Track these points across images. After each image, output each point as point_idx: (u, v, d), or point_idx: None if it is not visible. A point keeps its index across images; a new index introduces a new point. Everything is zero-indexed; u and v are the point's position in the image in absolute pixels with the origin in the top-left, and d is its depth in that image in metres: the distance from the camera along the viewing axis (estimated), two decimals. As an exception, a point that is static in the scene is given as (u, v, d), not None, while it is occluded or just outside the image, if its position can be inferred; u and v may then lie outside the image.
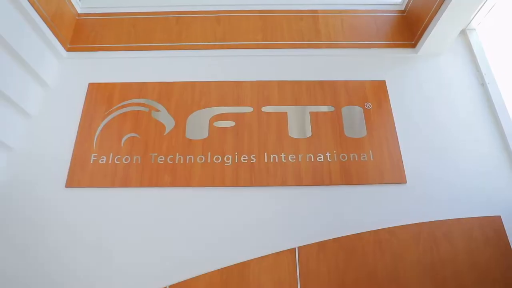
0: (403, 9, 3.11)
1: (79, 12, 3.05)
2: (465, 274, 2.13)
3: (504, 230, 2.23)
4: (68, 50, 2.86)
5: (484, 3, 2.78)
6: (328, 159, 2.44)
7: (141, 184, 2.35)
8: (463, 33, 3.01)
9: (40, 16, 2.55)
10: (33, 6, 2.47)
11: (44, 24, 2.60)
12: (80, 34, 2.94)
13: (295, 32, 2.96)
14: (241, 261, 2.13)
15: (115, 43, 2.90)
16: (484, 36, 2.98)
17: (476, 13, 2.88)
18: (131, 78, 2.72)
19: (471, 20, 2.96)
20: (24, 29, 2.48)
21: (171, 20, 3.00)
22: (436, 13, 2.61)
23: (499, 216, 2.27)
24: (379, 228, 2.23)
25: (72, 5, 3.00)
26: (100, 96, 2.64)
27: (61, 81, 2.74)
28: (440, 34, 2.74)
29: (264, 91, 2.68)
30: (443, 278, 2.12)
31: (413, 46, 2.92)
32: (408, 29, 2.99)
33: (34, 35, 2.57)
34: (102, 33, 2.95)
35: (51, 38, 2.69)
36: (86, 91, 2.67)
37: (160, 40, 2.91)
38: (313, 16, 3.03)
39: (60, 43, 2.79)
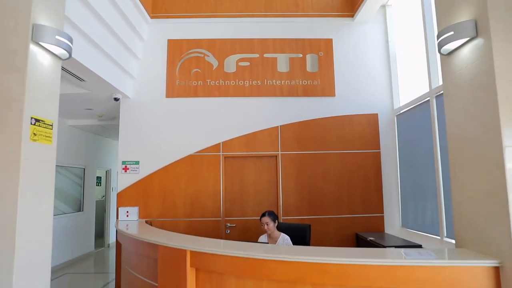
0: (350, -11, 5.08)
1: (152, -10, 5.01)
2: (357, 140, 4.66)
3: (378, 120, 4.70)
4: (151, 17, 4.92)
5: (398, -12, 4.77)
6: (297, 83, 4.76)
7: (203, 95, 4.71)
8: (383, 7, 5.05)
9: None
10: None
11: None
12: (156, 6, 4.97)
13: (284, 5, 5.00)
14: (253, 131, 4.63)
15: (177, 13, 4.95)
16: (396, 10, 5.01)
17: (393, -6, 4.88)
18: (191, 36, 4.86)
19: (389, -1, 4.97)
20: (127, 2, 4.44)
21: (209, -4, 5.00)
22: (368, -7, 4.63)
23: (377, 114, 4.72)
24: (319, 117, 4.69)
25: (148, -16, 4.94)
26: (175, 47, 4.83)
27: (151, 37, 4.88)
28: (368, 7, 4.78)
29: (265, 44, 4.87)
30: (347, 140, 4.65)
31: (352, 16, 5.01)
32: (351, 4, 5.04)
33: (134, 9, 4.59)
34: (169, 5, 4.97)
35: (142, 10, 4.73)
36: (167, 44, 4.84)
37: (203, 10, 4.96)
38: (295, -5, 5.04)
39: (147, 12, 4.84)
